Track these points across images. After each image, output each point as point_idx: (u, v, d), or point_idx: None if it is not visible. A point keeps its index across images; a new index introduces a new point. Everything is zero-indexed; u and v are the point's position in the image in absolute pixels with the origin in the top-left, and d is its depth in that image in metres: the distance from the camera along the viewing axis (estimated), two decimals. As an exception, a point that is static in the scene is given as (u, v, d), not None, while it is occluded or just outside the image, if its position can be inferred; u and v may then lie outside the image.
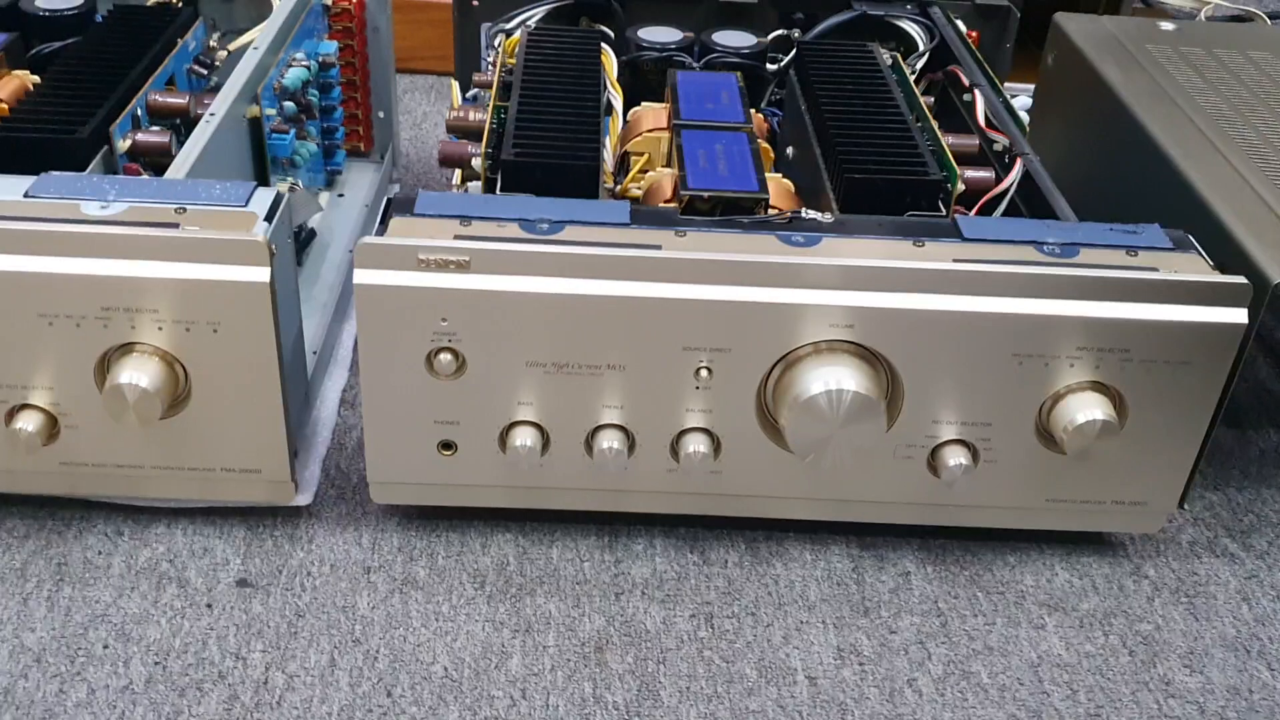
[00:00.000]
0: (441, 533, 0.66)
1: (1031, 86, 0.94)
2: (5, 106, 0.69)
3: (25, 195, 0.57)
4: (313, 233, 0.83)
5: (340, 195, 0.91)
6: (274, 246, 0.56)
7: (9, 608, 0.59)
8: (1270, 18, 1.50)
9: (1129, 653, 0.62)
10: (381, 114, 0.94)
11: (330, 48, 0.84)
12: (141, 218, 0.56)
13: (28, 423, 0.59)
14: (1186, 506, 0.66)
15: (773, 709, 0.57)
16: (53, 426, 0.60)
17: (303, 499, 0.65)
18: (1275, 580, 0.67)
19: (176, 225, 0.56)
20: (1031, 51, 1.03)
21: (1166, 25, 0.93)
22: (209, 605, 0.60)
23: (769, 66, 0.85)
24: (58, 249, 0.55)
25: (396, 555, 0.64)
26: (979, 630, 0.62)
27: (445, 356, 0.58)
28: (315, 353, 0.73)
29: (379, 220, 0.59)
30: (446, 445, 0.61)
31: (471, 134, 0.72)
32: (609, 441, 0.60)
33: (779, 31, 0.88)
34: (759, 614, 0.62)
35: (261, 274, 0.55)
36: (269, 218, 0.57)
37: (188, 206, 0.57)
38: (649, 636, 0.60)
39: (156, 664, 0.57)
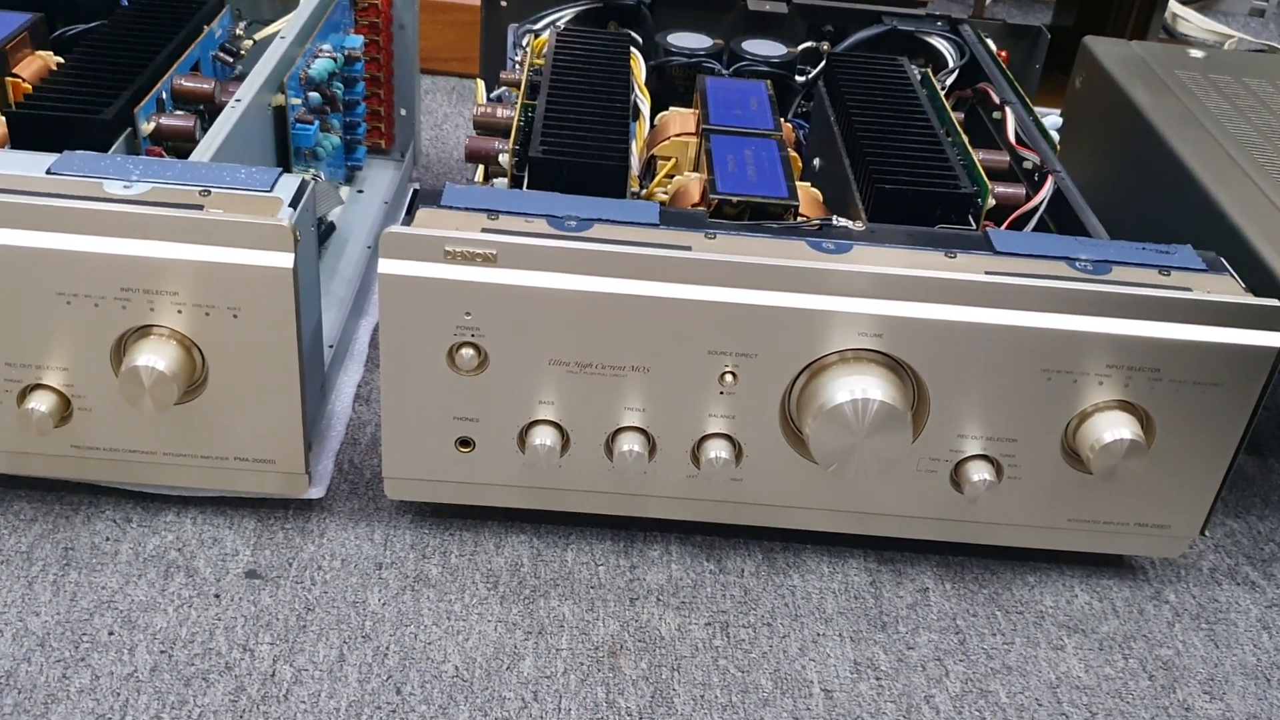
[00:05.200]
0: (455, 531, 0.65)
1: (1055, 110, 0.94)
2: (29, 86, 0.68)
3: (48, 172, 0.57)
4: (332, 226, 0.82)
5: (360, 191, 0.90)
6: (298, 233, 0.55)
7: (14, 590, 0.58)
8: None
9: (1149, 677, 0.61)
10: (404, 112, 0.94)
11: (356, 42, 0.83)
12: (165, 198, 0.55)
13: (40, 403, 0.58)
14: (1207, 533, 0.65)
15: (788, 721, 0.56)
16: (65, 408, 0.59)
17: (315, 492, 0.64)
18: (1297, 611, 0.66)
19: (200, 207, 0.55)
20: (1055, 76, 1.02)
21: (1196, 53, 0.93)
22: (217, 595, 0.59)
23: (797, 78, 0.84)
24: (79, 227, 0.54)
25: (409, 552, 0.63)
26: (997, 649, 0.61)
27: (467, 351, 0.57)
28: (332, 346, 0.72)
29: (405, 210, 0.58)
30: (464, 442, 0.60)
31: (498, 131, 0.72)
32: (630, 444, 0.59)
33: (808, 43, 0.88)
34: (775, 625, 0.61)
35: (285, 259, 0.55)
36: (294, 204, 0.56)
37: (212, 189, 0.56)
38: (663, 643, 0.59)
39: (162, 653, 0.56)
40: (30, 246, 0.54)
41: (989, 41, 0.88)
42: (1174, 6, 1.52)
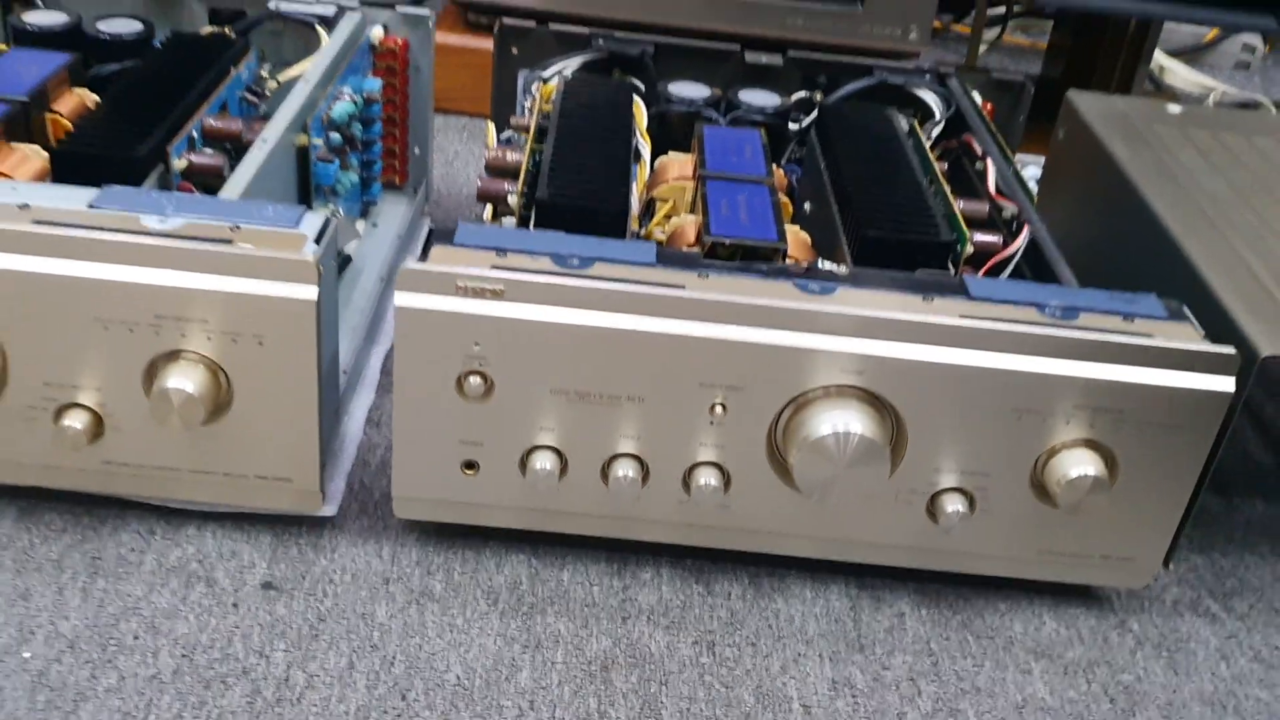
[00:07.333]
0: (458, 550, 0.68)
1: (1041, 158, 0.98)
2: (68, 122, 0.72)
3: (89, 206, 0.61)
4: (348, 259, 0.86)
5: (374, 225, 0.95)
6: (321, 267, 0.59)
7: (45, 596, 0.62)
8: (1276, 105, 1.55)
9: (1110, 700, 0.64)
10: (417, 150, 0.98)
11: (375, 85, 0.88)
12: (198, 233, 0.59)
13: (75, 421, 0.62)
14: (1172, 566, 0.69)
15: (768, 733, 0.60)
16: (98, 426, 0.63)
17: (329, 510, 0.68)
18: (1254, 641, 0.70)
19: (230, 242, 0.59)
20: (1044, 125, 1.06)
21: (1174, 108, 0.97)
22: (235, 605, 0.63)
23: (791, 125, 0.89)
24: (118, 258, 0.58)
25: (415, 568, 0.67)
26: (968, 671, 0.65)
27: (475, 380, 0.61)
28: (346, 372, 0.76)
29: (421, 248, 0.62)
30: (469, 465, 0.64)
31: (508, 173, 0.76)
32: (624, 470, 0.63)
33: (801, 93, 0.92)
34: (759, 645, 0.65)
35: (309, 292, 0.59)
36: (318, 240, 0.60)
37: (241, 225, 0.61)
38: (653, 659, 0.63)
39: (184, 656, 0.60)
40: (73, 275, 0.58)
41: (974, 94, 0.93)
42: (1160, 58, 1.57)
